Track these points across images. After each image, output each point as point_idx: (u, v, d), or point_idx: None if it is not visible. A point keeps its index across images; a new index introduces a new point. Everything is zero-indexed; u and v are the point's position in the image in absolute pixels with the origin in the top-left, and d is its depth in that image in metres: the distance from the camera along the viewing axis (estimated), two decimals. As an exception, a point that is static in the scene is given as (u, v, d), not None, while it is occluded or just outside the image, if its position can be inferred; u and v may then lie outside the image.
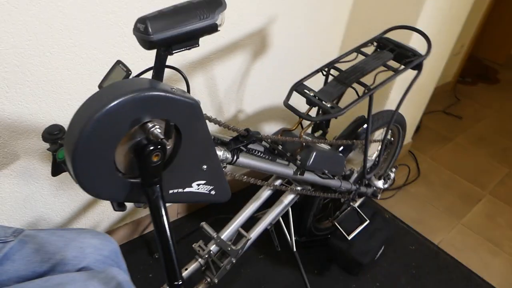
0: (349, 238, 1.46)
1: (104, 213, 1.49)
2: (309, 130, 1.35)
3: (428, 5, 1.54)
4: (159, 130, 0.62)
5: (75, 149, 0.58)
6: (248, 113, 1.71)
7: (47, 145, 0.96)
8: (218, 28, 0.64)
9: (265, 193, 1.26)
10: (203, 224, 1.14)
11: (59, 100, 1.13)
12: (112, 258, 0.88)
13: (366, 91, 1.06)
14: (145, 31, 0.57)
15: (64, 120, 1.17)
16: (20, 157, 1.14)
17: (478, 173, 2.37)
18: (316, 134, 1.35)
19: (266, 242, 1.40)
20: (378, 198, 1.59)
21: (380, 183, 1.50)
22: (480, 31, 3.01)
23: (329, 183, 1.25)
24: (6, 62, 0.99)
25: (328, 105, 1.04)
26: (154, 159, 0.64)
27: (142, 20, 0.57)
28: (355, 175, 1.44)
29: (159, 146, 0.64)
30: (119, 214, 1.56)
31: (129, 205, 0.96)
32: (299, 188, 1.27)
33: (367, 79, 1.10)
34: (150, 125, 0.63)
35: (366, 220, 1.51)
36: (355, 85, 1.10)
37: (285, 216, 1.35)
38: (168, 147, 0.67)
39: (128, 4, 1.11)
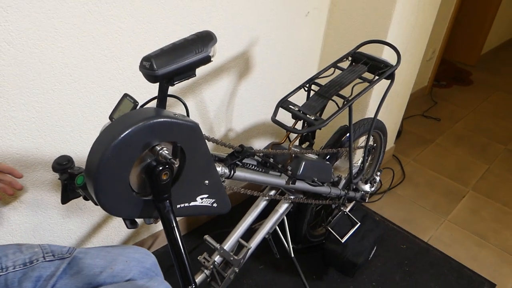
0: (343, 241, 1.55)
1: (108, 237, 1.55)
2: (297, 142, 1.45)
3: (395, 18, 1.68)
4: (166, 152, 0.71)
5: (97, 173, 0.66)
6: (237, 131, 1.81)
7: (53, 177, 1.04)
8: (211, 59, 0.74)
9: (261, 205, 1.34)
10: (207, 237, 1.21)
11: (62, 133, 1.21)
12: (153, 270, 0.98)
13: (345, 102, 1.16)
14: (151, 67, 0.66)
15: (67, 151, 1.24)
16: (28, 189, 1.21)
17: (460, 171, 2.50)
18: (304, 146, 1.45)
19: (265, 252, 1.48)
20: (367, 201, 1.68)
21: (367, 187, 1.60)
22: (449, 35, 3.17)
23: (319, 190, 1.34)
24: (14, 102, 1.07)
25: (312, 118, 1.14)
26: (164, 177, 0.73)
27: (147, 58, 0.66)
28: (343, 181, 1.53)
29: (167, 166, 0.72)
30: (122, 237, 1.62)
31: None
32: (292, 197, 1.36)
33: (346, 92, 1.21)
34: (158, 148, 0.71)
35: (357, 223, 1.60)
36: (335, 97, 1.21)
37: (281, 224, 1.43)
38: (175, 166, 0.75)
39: (122, 40, 1.20)
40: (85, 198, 0.90)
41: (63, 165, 0.91)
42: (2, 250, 0.86)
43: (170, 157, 0.71)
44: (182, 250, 0.72)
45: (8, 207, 1.19)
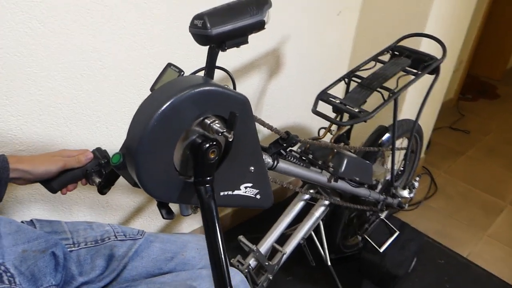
0: (381, 250, 1.43)
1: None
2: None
3: (432, 18, 1.60)
4: (218, 125, 0.63)
5: (140, 146, 0.58)
6: (264, 133, 1.72)
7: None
8: (265, 26, 0.66)
9: (296, 207, 1.24)
10: (241, 237, 1.12)
11: (88, 122, 1.14)
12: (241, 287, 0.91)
13: (391, 94, 1.08)
14: (204, 26, 0.58)
15: (91, 143, 1.17)
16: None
17: (495, 184, 2.36)
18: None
19: (293, 260, 1.36)
20: (406, 208, 1.57)
21: (405, 193, 1.49)
22: (475, 49, 3.10)
23: (360, 191, 1.24)
24: (41, 86, 1.00)
25: (356, 110, 1.05)
26: (211, 156, 0.64)
27: (199, 16, 0.59)
28: (380, 186, 1.43)
29: (215, 143, 0.64)
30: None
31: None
32: (330, 199, 1.26)
33: (390, 85, 1.12)
34: (208, 121, 0.63)
35: (396, 231, 1.49)
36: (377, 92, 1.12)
37: (316, 230, 1.33)
38: (229, 140, 0.67)
39: (153, 26, 1.14)
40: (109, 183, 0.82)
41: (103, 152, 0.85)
42: (72, 226, 0.83)
43: (223, 130, 0.62)
44: (221, 246, 0.63)
45: (27, 198, 1.11)
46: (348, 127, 1.39)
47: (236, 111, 0.66)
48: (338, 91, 1.22)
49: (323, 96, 1.13)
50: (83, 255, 0.78)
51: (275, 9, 1.44)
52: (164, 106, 0.57)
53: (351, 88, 1.18)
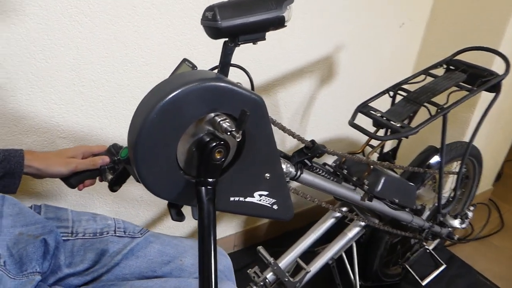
0: (423, 283, 1.30)
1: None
2: (375, 158, 1.27)
3: (509, 32, 1.45)
4: (228, 124, 0.60)
5: (139, 137, 0.56)
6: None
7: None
8: (285, 23, 0.62)
9: (325, 224, 1.17)
10: (260, 248, 1.07)
11: (128, 117, 1.16)
12: (225, 274, 0.88)
13: (439, 110, 0.98)
14: (213, 18, 0.56)
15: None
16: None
17: None
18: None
19: (320, 283, 1.27)
20: (456, 240, 1.42)
21: (456, 223, 1.34)
22: None
23: (399, 215, 1.13)
24: (84, 77, 1.04)
25: (398, 125, 0.97)
26: (217, 156, 0.61)
27: (210, 8, 0.57)
28: (427, 212, 1.30)
29: (222, 142, 0.61)
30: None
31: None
32: (365, 221, 1.17)
33: (439, 100, 1.02)
34: (218, 119, 0.60)
35: (443, 264, 1.35)
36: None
37: (348, 252, 1.24)
38: (236, 140, 0.63)
39: (198, 27, 1.14)
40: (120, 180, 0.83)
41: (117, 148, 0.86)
42: (77, 215, 0.84)
43: (232, 129, 0.59)
44: (213, 252, 0.58)
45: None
46: (395, 144, 1.30)
47: (249, 111, 0.62)
48: (383, 106, 1.13)
49: (364, 108, 1.05)
50: (77, 246, 0.78)
51: (331, 15, 1.40)
52: (167, 98, 0.56)
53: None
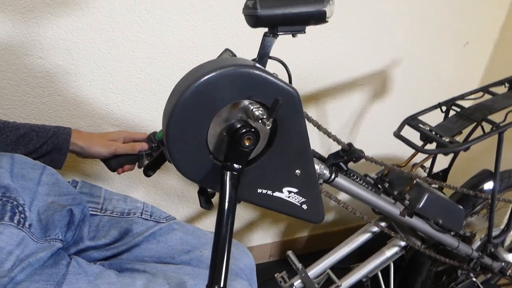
0: (465, 318, 1.20)
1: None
2: (423, 174, 1.21)
3: None
4: (261, 111, 0.61)
5: (172, 116, 0.59)
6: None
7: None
8: (326, 19, 0.63)
9: (360, 238, 1.13)
10: (289, 252, 1.05)
11: (177, 112, 1.22)
12: (246, 273, 0.87)
13: (494, 128, 0.91)
14: (253, 6, 0.58)
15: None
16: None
17: None
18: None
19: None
20: (508, 277, 1.29)
21: (510, 257, 1.23)
22: None
23: (444, 238, 1.06)
24: (140, 69, 1.11)
25: (446, 140, 0.92)
26: (246, 143, 0.62)
27: (252, -2, 0.59)
28: (478, 241, 1.21)
29: (252, 130, 0.62)
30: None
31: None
32: (405, 240, 1.11)
33: (496, 118, 0.96)
34: (251, 106, 0.62)
35: (489, 301, 1.23)
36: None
37: (385, 272, 1.18)
38: (267, 129, 0.64)
39: (252, 30, 1.17)
40: (155, 166, 0.86)
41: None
42: (110, 194, 0.88)
43: (263, 117, 0.60)
44: (228, 240, 0.59)
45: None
46: (446, 165, 1.23)
47: (283, 103, 0.63)
48: (434, 121, 1.08)
49: (412, 121, 1.01)
50: (103, 222, 0.81)
51: (389, 29, 1.38)
52: (201, 80, 0.58)
53: (450, 119, 1.04)
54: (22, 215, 0.69)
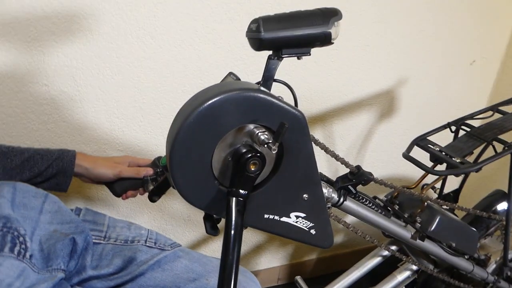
0: None
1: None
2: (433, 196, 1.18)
3: None
4: (266, 136, 0.59)
5: (176, 141, 0.58)
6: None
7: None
8: (332, 40, 0.62)
9: (370, 262, 1.10)
10: (298, 278, 1.02)
11: (182, 136, 1.21)
12: None
13: (506, 148, 0.89)
14: (257, 29, 0.57)
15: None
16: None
17: None
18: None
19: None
20: (527, 301, 1.24)
21: (529, 281, 1.18)
22: None
23: (457, 262, 1.03)
24: (145, 94, 1.11)
25: (457, 161, 0.90)
26: (251, 168, 0.61)
27: (255, 21, 0.58)
28: (493, 265, 1.17)
29: (258, 155, 0.60)
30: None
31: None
32: (417, 264, 1.08)
33: (508, 137, 0.94)
34: (256, 130, 0.61)
35: (509, 327, 1.18)
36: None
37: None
38: (273, 153, 0.63)
39: (256, 53, 1.18)
40: (160, 191, 0.84)
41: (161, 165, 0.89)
42: (114, 222, 0.87)
43: (268, 141, 0.58)
44: (234, 269, 0.56)
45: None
46: (457, 186, 1.20)
47: (289, 125, 0.62)
48: (443, 142, 1.06)
49: (421, 141, 0.99)
50: (107, 250, 0.79)
51: (395, 48, 1.37)
52: (205, 105, 0.57)
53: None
54: (23, 246, 0.67)
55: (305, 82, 1.29)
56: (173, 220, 1.33)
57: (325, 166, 1.45)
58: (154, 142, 1.18)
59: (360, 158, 1.53)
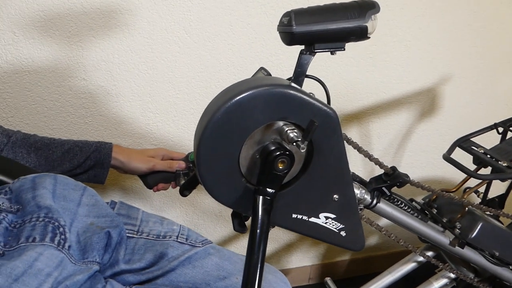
0: None
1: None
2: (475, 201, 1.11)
3: None
4: (296, 133, 0.58)
5: (203, 136, 0.57)
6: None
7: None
8: (368, 35, 0.59)
9: (404, 267, 1.05)
10: (328, 279, 1.00)
11: (215, 131, 1.21)
12: None
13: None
14: (289, 23, 0.55)
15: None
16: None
17: None
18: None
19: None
20: None
21: None
22: None
23: (501, 272, 0.96)
24: (179, 89, 1.12)
25: (504, 164, 0.84)
26: (280, 166, 0.59)
27: (287, 14, 0.56)
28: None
29: (287, 153, 0.59)
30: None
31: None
32: (455, 272, 1.02)
33: None
34: (285, 128, 0.59)
35: None
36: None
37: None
38: (301, 152, 0.61)
39: (291, 48, 1.15)
40: (190, 185, 0.84)
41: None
42: (147, 216, 0.87)
43: (298, 139, 0.57)
44: (259, 267, 0.56)
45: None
46: (503, 190, 1.13)
47: (321, 125, 0.60)
48: (489, 144, 1.00)
49: (464, 143, 0.94)
50: (139, 245, 0.79)
51: (438, 44, 1.31)
52: (233, 100, 0.56)
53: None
54: (63, 236, 0.69)
55: (342, 78, 1.25)
56: (204, 215, 1.33)
57: (361, 166, 1.41)
58: (188, 137, 1.19)
59: (398, 159, 1.48)
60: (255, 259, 0.55)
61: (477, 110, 1.47)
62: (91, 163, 0.84)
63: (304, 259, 1.56)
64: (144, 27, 1.02)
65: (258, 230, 0.56)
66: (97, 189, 0.88)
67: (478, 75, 1.41)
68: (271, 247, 1.48)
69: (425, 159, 1.50)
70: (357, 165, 1.40)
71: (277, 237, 1.46)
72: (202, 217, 1.33)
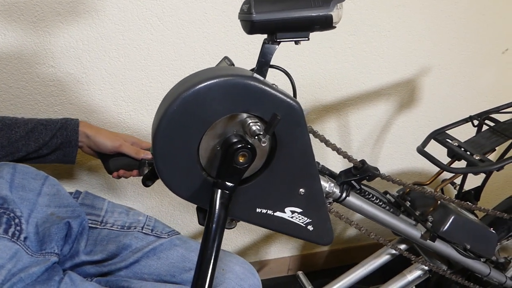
0: None
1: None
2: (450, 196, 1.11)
3: None
4: (258, 127, 0.56)
5: (159, 128, 0.55)
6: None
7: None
8: (334, 24, 0.57)
9: (377, 260, 1.04)
10: (300, 273, 0.99)
11: (190, 121, 1.19)
12: None
13: (534, 146, 0.82)
14: (248, 10, 0.53)
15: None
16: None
17: None
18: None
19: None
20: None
21: (552, 288, 1.10)
22: None
23: (472, 264, 0.97)
24: (152, 78, 1.09)
25: (477, 158, 0.83)
26: (240, 160, 0.57)
27: (247, 1, 0.54)
28: (514, 269, 1.10)
29: (248, 146, 0.57)
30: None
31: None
32: (428, 264, 1.02)
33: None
34: (248, 120, 0.57)
35: (527, 335, 1.11)
36: None
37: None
38: (264, 147, 0.59)
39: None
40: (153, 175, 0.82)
41: None
42: (112, 207, 0.86)
43: (260, 133, 0.55)
44: (213, 261, 0.54)
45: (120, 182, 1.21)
46: (479, 183, 1.13)
47: (284, 118, 0.58)
48: (464, 136, 0.99)
49: (439, 135, 0.93)
50: (102, 236, 0.78)
51: (418, 35, 1.29)
52: (190, 91, 0.54)
53: (482, 134, 0.94)
54: (18, 227, 0.67)
55: (320, 68, 1.23)
56: (181, 206, 1.32)
57: (339, 158, 1.40)
58: (162, 127, 1.16)
59: (377, 150, 1.47)
60: (208, 255, 0.53)
61: (457, 102, 1.47)
62: (57, 141, 0.80)
63: (283, 250, 1.56)
64: (114, 13, 0.98)
65: (213, 225, 0.55)
66: (70, 179, 0.86)
67: (458, 67, 1.40)
68: (249, 238, 1.47)
69: (404, 150, 1.49)
70: (337, 158, 1.38)
71: (256, 228, 1.45)
72: (178, 207, 1.31)
